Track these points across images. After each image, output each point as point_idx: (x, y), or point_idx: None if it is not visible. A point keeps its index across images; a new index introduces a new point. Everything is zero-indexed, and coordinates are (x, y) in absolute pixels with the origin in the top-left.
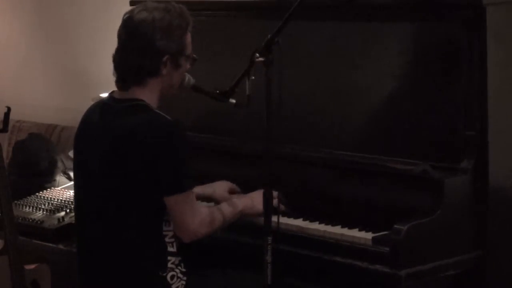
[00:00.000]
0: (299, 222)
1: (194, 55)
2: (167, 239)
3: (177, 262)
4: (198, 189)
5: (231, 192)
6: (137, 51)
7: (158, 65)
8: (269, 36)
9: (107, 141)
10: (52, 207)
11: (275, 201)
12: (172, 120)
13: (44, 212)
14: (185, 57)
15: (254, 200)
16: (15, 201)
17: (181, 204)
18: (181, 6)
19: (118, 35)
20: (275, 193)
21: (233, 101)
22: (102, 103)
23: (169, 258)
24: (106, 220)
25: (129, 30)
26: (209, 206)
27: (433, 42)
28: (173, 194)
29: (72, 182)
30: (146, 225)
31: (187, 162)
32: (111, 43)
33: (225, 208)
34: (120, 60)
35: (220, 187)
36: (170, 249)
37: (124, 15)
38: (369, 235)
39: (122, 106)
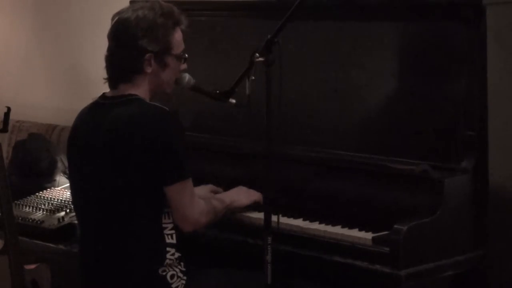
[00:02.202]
0: (299, 222)
1: (185, 55)
2: (166, 232)
3: (176, 256)
4: None
5: (214, 192)
6: (121, 49)
7: (141, 63)
8: (269, 36)
9: (103, 136)
10: (52, 207)
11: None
12: (166, 109)
13: (44, 212)
14: (173, 56)
15: (239, 194)
16: (15, 201)
17: (181, 193)
18: (170, 5)
19: (107, 35)
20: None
21: (233, 101)
22: (93, 103)
23: (168, 249)
24: (106, 216)
25: (114, 29)
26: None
27: (433, 41)
28: (174, 183)
29: None
30: (146, 218)
31: (184, 150)
32: None
33: (216, 201)
34: (107, 58)
35: (202, 190)
36: (169, 240)
37: (113, 15)
38: (369, 235)
39: (115, 101)
